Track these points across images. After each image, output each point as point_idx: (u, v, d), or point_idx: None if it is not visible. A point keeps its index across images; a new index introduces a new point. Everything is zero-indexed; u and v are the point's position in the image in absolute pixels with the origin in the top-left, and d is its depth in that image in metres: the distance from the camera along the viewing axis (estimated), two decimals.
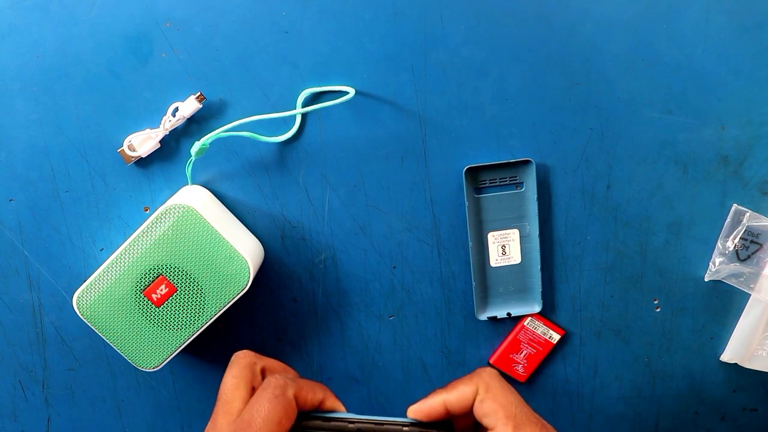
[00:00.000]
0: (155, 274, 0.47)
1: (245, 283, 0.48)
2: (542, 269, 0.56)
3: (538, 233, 0.54)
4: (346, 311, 0.56)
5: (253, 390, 0.40)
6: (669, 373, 0.58)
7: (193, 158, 0.50)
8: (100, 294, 0.48)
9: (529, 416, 0.40)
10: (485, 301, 0.56)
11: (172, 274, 0.48)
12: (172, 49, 0.51)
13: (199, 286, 0.48)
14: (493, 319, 0.55)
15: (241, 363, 0.40)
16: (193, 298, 0.48)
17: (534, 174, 0.53)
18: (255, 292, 0.55)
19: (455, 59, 0.52)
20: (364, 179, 0.54)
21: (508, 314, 0.55)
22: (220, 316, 0.48)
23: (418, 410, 0.40)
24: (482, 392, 0.40)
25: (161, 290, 0.48)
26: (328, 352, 0.57)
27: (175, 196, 0.51)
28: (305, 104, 0.52)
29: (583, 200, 0.55)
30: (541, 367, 0.58)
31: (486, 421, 0.40)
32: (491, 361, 0.56)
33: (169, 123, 0.50)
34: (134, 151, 0.51)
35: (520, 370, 0.57)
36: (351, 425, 0.39)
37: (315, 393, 0.39)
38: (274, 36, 0.51)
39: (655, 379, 0.58)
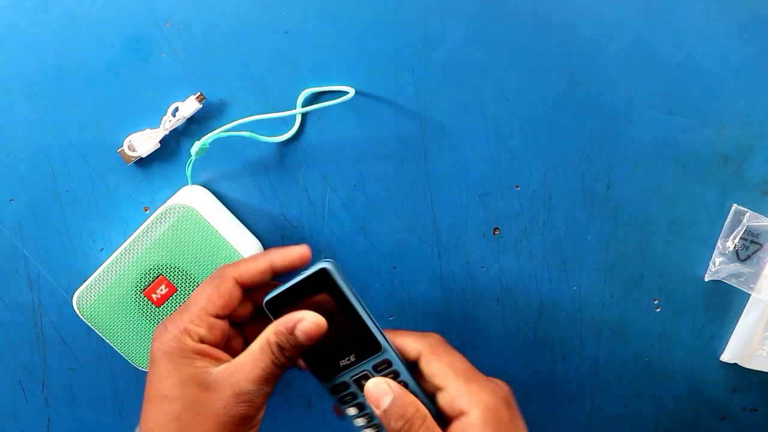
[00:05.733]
0: (155, 274, 0.47)
1: None
2: (543, 269, 0.56)
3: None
4: None
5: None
6: (669, 373, 0.58)
7: (193, 158, 0.50)
8: (100, 294, 0.48)
9: (477, 373, 0.42)
10: None
11: (172, 274, 0.48)
12: (172, 49, 0.51)
13: None
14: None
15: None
16: None
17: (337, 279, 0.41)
18: None
19: (455, 59, 0.52)
20: (364, 179, 0.54)
21: None
22: None
23: None
24: (428, 353, 0.42)
25: (161, 290, 0.48)
26: None
27: (175, 196, 0.51)
28: (305, 104, 0.52)
29: (583, 200, 0.55)
30: (541, 367, 0.58)
31: (436, 381, 0.42)
32: None
33: (169, 123, 0.50)
34: (134, 151, 0.51)
35: None
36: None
37: (257, 264, 0.42)
38: (274, 36, 0.51)
39: (655, 379, 0.58)
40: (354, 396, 0.43)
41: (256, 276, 0.42)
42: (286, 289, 0.41)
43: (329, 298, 0.41)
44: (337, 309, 0.41)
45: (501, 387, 0.42)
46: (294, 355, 0.40)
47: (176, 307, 0.48)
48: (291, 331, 0.39)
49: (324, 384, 0.43)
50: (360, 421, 0.43)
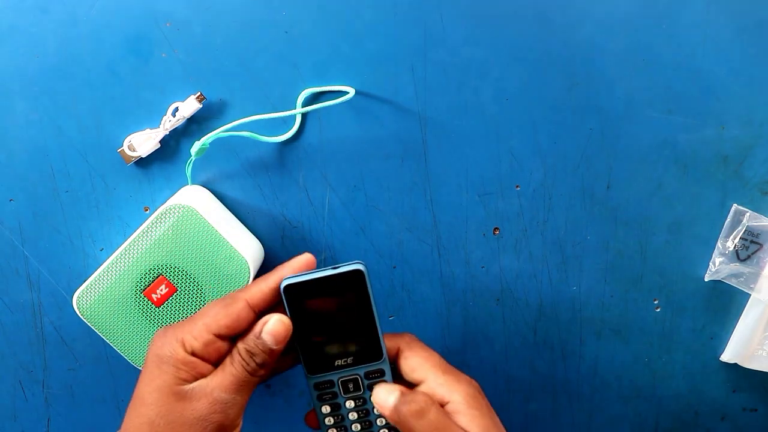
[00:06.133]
0: (155, 274, 0.47)
1: (245, 283, 0.48)
2: (543, 269, 0.56)
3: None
4: None
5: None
6: (669, 373, 0.58)
7: (193, 158, 0.50)
8: (100, 294, 0.48)
9: (451, 366, 0.43)
10: None
11: (172, 274, 0.48)
12: (172, 49, 0.51)
13: (199, 286, 0.48)
14: None
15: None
16: (193, 298, 0.48)
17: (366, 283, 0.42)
18: None
19: (455, 59, 0.52)
20: (364, 179, 0.54)
21: None
22: None
23: None
24: (405, 350, 0.44)
25: (161, 290, 0.48)
26: None
27: (175, 196, 0.51)
28: (305, 104, 0.52)
29: (583, 200, 0.55)
30: (541, 367, 0.58)
31: (414, 376, 0.43)
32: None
33: (169, 123, 0.50)
34: (134, 151, 0.51)
35: None
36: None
37: (267, 282, 0.42)
38: (274, 36, 0.51)
39: (655, 379, 0.58)
40: (334, 395, 0.43)
41: (268, 295, 0.42)
42: (311, 279, 0.41)
43: (350, 298, 0.42)
44: (354, 311, 0.42)
45: (472, 379, 0.44)
46: (265, 361, 0.41)
47: (176, 307, 0.48)
48: (258, 335, 0.40)
49: (310, 377, 0.43)
50: (329, 420, 0.44)
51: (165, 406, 0.39)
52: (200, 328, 0.41)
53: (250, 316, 0.42)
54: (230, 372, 0.40)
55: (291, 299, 0.41)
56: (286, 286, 0.41)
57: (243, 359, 0.40)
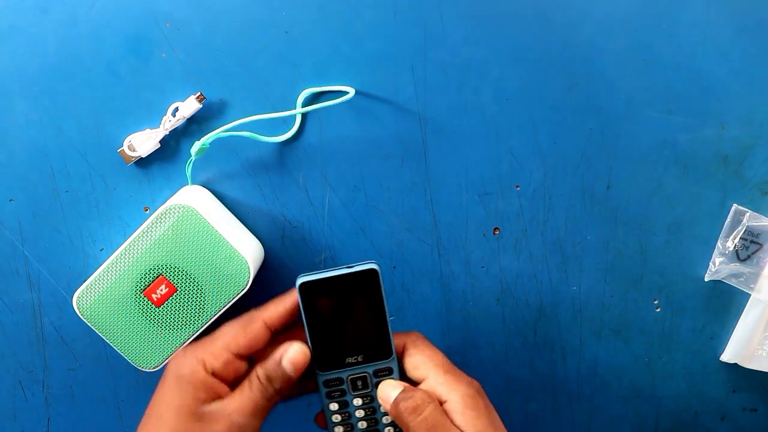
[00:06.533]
0: (155, 274, 0.47)
1: (245, 283, 0.48)
2: (543, 269, 0.56)
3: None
4: None
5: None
6: (669, 373, 0.58)
7: (193, 158, 0.50)
8: (100, 294, 0.48)
9: (453, 366, 0.44)
10: None
11: (172, 274, 0.48)
12: (172, 49, 0.51)
13: (199, 286, 0.48)
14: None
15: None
16: (193, 298, 0.48)
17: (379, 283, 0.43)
18: (255, 292, 0.55)
19: (455, 59, 0.52)
20: (364, 179, 0.54)
21: None
22: (220, 315, 0.48)
23: None
24: (410, 348, 0.45)
25: (161, 290, 0.48)
26: None
27: (175, 196, 0.51)
28: (305, 104, 0.52)
29: (583, 200, 0.55)
30: (541, 367, 0.58)
31: (417, 374, 0.44)
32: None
33: (169, 123, 0.50)
34: (134, 151, 0.51)
35: None
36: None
37: (284, 303, 0.44)
38: (274, 36, 0.51)
39: (655, 379, 0.58)
40: (342, 393, 0.44)
41: (285, 315, 0.44)
42: (326, 278, 0.43)
43: (363, 297, 0.43)
44: (366, 309, 0.43)
45: (473, 380, 0.44)
46: (283, 387, 0.42)
47: (176, 308, 0.48)
48: (279, 362, 0.42)
49: (320, 373, 0.44)
50: (337, 418, 0.45)
51: (184, 425, 0.40)
52: (220, 348, 0.42)
53: (267, 335, 0.43)
54: (249, 396, 0.41)
55: (306, 297, 0.43)
56: (302, 284, 0.42)
57: (262, 384, 0.42)
